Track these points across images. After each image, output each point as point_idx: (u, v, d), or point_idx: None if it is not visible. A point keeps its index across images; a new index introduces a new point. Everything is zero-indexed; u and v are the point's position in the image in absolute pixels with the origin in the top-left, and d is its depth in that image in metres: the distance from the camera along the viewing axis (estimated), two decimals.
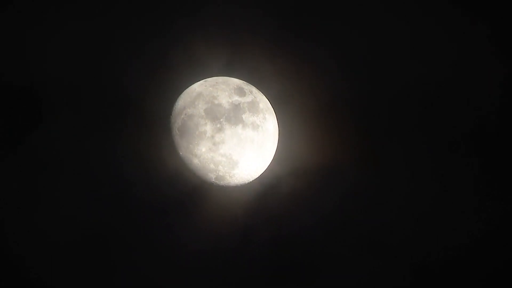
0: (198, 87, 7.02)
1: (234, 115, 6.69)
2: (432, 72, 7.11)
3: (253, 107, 6.88)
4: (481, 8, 7.04)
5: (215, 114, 6.67)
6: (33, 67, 6.92)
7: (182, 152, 6.84)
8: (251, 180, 7.14)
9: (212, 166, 6.79)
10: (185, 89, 7.08)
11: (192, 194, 7.19)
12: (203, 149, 6.68)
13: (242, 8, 6.96)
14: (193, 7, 7.06)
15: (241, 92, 6.92)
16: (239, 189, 7.15)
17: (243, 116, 6.74)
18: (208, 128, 6.63)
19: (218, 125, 6.61)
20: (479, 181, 7.26)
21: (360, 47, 7.11)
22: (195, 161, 6.81)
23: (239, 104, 6.78)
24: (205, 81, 7.08)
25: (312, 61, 7.11)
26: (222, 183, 6.98)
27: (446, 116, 7.21)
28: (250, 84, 7.13)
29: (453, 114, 7.19)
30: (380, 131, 7.26)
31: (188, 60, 7.20)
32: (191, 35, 7.11)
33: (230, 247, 7.20)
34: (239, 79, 7.13)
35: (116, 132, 7.07)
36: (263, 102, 7.11)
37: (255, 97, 7.01)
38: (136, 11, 7.01)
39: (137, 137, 7.17)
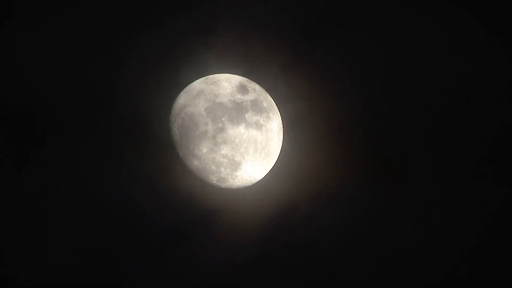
0: (198, 84, 6.96)
1: (237, 114, 6.62)
2: (449, 91, 7.25)
3: (256, 106, 6.80)
4: (500, 23, 7.16)
5: (216, 113, 6.60)
6: (34, 88, 6.99)
7: (182, 153, 6.79)
8: (254, 182, 7.07)
9: (213, 167, 6.72)
10: (185, 86, 7.04)
11: (192, 196, 7.19)
12: (204, 150, 6.61)
13: (258, 28, 7.16)
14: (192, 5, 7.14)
15: (243, 90, 6.86)
16: (241, 191, 7.11)
17: (246, 115, 6.67)
18: (209, 127, 6.56)
19: (220, 125, 6.54)
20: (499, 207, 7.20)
21: (377, 63, 7.30)
22: (196, 162, 6.75)
23: (241, 102, 6.71)
24: (206, 78, 7.03)
25: (328, 79, 7.27)
26: (224, 185, 6.92)
27: (464, 137, 7.29)
28: (253, 82, 7.08)
29: (470, 135, 7.30)
30: (394, 152, 7.38)
31: (188, 56, 7.23)
32: (192, 31, 7.19)
33: (230, 250, 7.31)
34: (242, 76, 7.10)
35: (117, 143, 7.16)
36: (267, 101, 7.04)
37: (258, 95, 6.94)
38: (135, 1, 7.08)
39: (136, 137, 7.21)
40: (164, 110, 6.95)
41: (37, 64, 6.99)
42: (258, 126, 6.74)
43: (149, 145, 7.15)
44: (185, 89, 7.02)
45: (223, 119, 6.56)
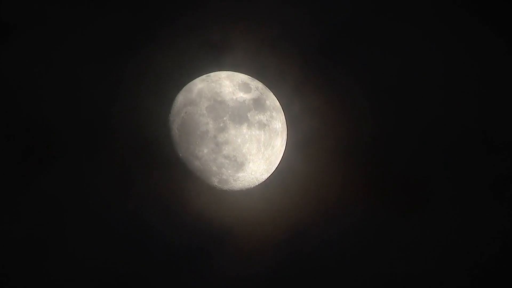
0: (199, 82, 6.91)
1: (239, 113, 6.58)
2: (465, 109, 7.30)
3: (259, 105, 6.77)
4: None
5: (218, 112, 6.55)
6: (45, 105, 7.06)
7: (182, 153, 6.72)
8: (257, 184, 7.05)
9: (214, 168, 6.68)
10: (186, 84, 6.99)
11: (193, 199, 7.14)
12: (205, 150, 6.56)
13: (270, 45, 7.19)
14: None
15: (246, 88, 6.82)
16: (244, 193, 7.08)
17: (248, 114, 6.63)
18: (210, 127, 6.51)
19: (221, 124, 6.50)
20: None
21: (393, 81, 7.38)
22: (196, 163, 6.69)
23: (244, 101, 6.67)
24: (207, 76, 6.98)
25: (343, 98, 7.34)
26: (225, 187, 6.89)
27: (481, 156, 7.33)
28: (256, 80, 7.06)
29: (488, 153, 7.34)
30: (410, 171, 7.44)
31: (188, 53, 7.25)
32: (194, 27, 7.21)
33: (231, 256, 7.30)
34: (245, 74, 7.08)
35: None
36: (270, 99, 7.00)
37: (261, 93, 6.90)
38: None
39: (134, 136, 7.21)
40: (164, 109, 6.93)
41: (38, 77, 7.08)
42: (261, 125, 6.70)
43: (148, 145, 7.15)
44: (185, 87, 6.97)
45: (224, 118, 6.52)
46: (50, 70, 7.07)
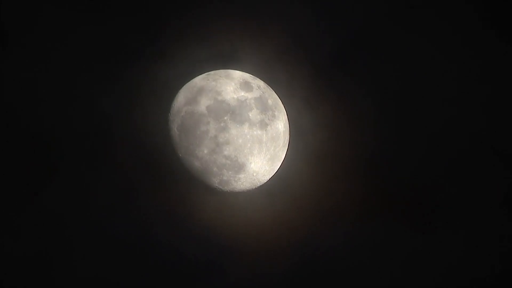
0: (199, 81, 6.88)
1: (240, 113, 6.54)
2: (477, 123, 7.36)
3: (261, 104, 6.73)
4: None
5: (218, 112, 6.51)
6: (47, 119, 7.09)
7: (182, 153, 6.70)
8: (258, 185, 7.01)
9: (215, 169, 6.64)
10: (185, 83, 6.97)
11: (193, 199, 7.20)
12: (205, 151, 6.53)
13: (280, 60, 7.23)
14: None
15: (247, 87, 6.78)
16: (245, 195, 7.09)
17: (250, 114, 6.59)
18: (210, 127, 6.47)
19: (222, 124, 6.47)
20: None
21: (403, 94, 7.42)
22: (196, 163, 6.66)
23: (245, 100, 6.63)
24: (208, 74, 6.95)
25: (353, 110, 7.38)
26: (226, 188, 6.87)
27: (493, 170, 7.36)
28: (257, 78, 7.03)
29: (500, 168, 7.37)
30: (419, 187, 7.46)
31: (188, 51, 7.24)
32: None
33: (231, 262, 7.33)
34: (246, 72, 7.06)
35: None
36: (272, 98, 6.96)
37: (263, 92, 6.87)
38: None
39: (133, 136, 7.24)
40: (163, 109, 6.92)
41: (35, 85, 7.10)
42: (263, 125, 6.66)
43: (147, 145, 7.18)
44: (185, 85, 6.95)
45: (225, 118, 6.48)
46: (45, 74, 7.08)
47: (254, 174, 6.78)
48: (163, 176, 7.11)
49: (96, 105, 7.13)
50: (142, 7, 7.14)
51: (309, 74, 7.22)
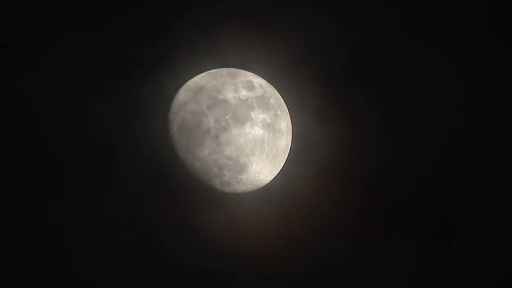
0: (200, 79, 6.87)
1: (242, 112, 6.51)
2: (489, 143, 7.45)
3: (263, 103, 6.70)
4: None
5: (219, 111, 6.46)
6: (51, 134, 7.14)
7: (182, 154, 6.68)
8: (260, 186, 6.98)
9: (216, 170, 6.61)
10: (186, 81, 6.96)
11: (193, 201, 7.17)
12: (206, 151, 6.49)
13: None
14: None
15: (249, 85, 6.75)
16: (246, 196, 7.05)
17: (252, 113, 6.56)
18: (211, 126, 6.44)
19: (223, 123, 6.42)
20: None
21: (412, 112, 7.48)
22: (197, 164, 6.63)
23: (247, 99, 6.60)
24: (209, 73, 6.94)
25: (363, 125, 7.44)
26: (227, 189, 6.84)
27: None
28: (259, 77, 7.02)
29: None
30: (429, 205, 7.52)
31: (189, 49, 7.24)
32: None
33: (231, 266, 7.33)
34: (248, 71, 7.04)
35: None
36: (275, 97, 6.94)
37: (265, 91, 6.85)
38: None
39: (132, 136, 7.24)
40: (163, 108, 6.90)
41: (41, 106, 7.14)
42: (265, 125, 6.63)
43: (146, 145, 7.16)
44: (185, 84, 6.93)
45: (226, 117, 6.45)
46: (44, 87, 7.10)
47: (256, 175, 6.74)
48: (162, 177, 7.11)
49: (96, 105, 7.15)
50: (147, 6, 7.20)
51: (320, 87, 7.31)
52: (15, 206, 6.95)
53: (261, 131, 6.57)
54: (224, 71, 6.92)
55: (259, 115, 6.59)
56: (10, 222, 6.93)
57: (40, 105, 7.02)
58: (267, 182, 7.01)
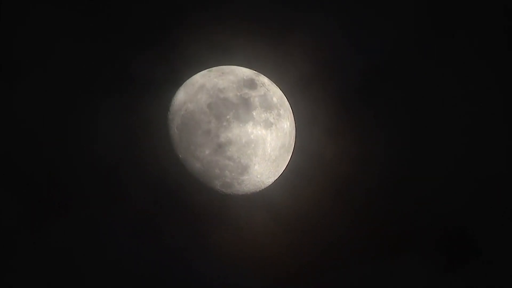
0: (201, 78, 6.84)
1: (243, 111, 6.49)
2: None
3: (265, 102, 6.67)
4: None
5: (220, 110, 6.46)
6: (57, 153, 7.19)
7: (182, 154, 6.66)
8: (263, 188, 6.98)
9: (217, 171, 6.58)
10: (186, 80, 6.94)
11: (192, 202, 7.16)
12: (207, 151, 6.47)
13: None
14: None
15: (251, 84, 6.73)
16: (248, 198, 7.04)
17: (254, 113, 6.53)
18: (212, 126, 6.42)
19: (224, 123, 6.41)
20: None
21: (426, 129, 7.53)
22: (197, 165, 6.60)
23: (249, 98, 6.58)
24: (209, 70, 6.91)
25: (376, 143, 7.49)
26: (229, 191, 6.82)
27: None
28: (262, 75, 6.98)
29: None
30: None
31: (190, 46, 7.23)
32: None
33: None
34: (249, 68, 7.03)
35: None
36: (277, 96, 6.90)
37: (268, 90, 6.81)
38: None
39: (131, 135, 7.23)
40: (162, 107, 6.91)
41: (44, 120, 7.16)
42: (268, 124, 6.60)
43: (145, 145, 7.17)
44: (185, 82, 6.92)
45: (228, 116, 6.43)
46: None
47: (258, 176, 6.74)
48: (162, 178, 7.10)
49: (95, 106, 7.17)
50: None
51: (332, 104, 7.35)
52: (20, 227, 6.99)
53: (263, 131, 6.54)
54: (225, 68, 6.90)
55: (261, 114, 6.56)
56: (15, 243, 6.97)
57: (39, 111, 7.06)
58: (270, 184, 7.00)
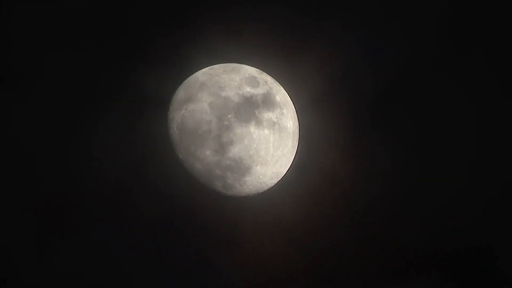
0: (201, 76, 6.84)
1: (245, 111, 6.48)
2: None
3: (268, 101, 6.66)
4: None
5: (222, 109, 6.44)
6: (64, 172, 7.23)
7: (182, 155, 6.66)
8: (265, 189, 7.00)
9: (218, 172, 6.58)
10: (186, 78, 6.96)
11: (194, 205, 7.13)
12: (208, 152, 6.45)
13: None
14: None
15: (253, 82, 6.72)
16: (250, 200, 7.03)
17: (256, 112, 6.52)
18: (213, 126, 6.41)
19: (226, 123, 6.39)
20: None
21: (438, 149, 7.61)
22: (198, 165, 6.60)
23: (251, 97, 6.57)
24: (210, 68, 6.91)
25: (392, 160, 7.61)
26: (230, 192, 6.83)
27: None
28: (264, 73, 6.98)
29: None
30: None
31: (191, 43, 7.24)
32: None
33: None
34: (252, 66, 7.02)
35: None
36: (280, 94, 6.91)
37: (270, 88, 6.82)
38: None
39: (130, 136, 7.20)
40: (162, 106, 6.92)
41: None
42: (270, 124, 6.60)
43: (145, 145, 7.15)
44: (185, 81, 6.94)
45: (229, 116, 6.43)
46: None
47: (261, 177, 6.75)
48: (161, 179, 7.09)
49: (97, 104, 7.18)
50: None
51: (345, 123, 7.45)
52: (26, 250, 7.02)
53: (266, 131, 6.52)
54: (227, 66, 6.90)
55: (264, 114, 6.54)
56: (22, 266, 6.99)
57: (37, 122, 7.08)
58: (272, 185, 6.98)
